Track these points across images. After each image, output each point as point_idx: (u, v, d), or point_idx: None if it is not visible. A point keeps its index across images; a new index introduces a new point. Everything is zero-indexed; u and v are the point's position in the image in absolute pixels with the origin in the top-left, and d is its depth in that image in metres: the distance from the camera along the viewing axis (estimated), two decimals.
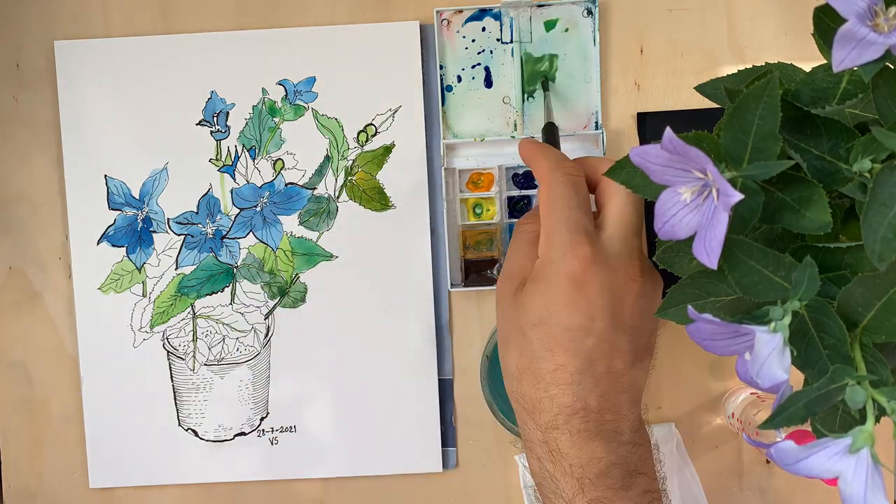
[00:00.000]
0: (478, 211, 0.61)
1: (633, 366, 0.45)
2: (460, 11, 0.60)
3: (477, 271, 0.61)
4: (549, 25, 0.60)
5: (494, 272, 0.60)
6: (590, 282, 0.43)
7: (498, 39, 0.60)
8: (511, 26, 0.60)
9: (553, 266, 0.44)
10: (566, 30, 0.60)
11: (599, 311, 0.43)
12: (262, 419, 0.62)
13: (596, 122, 0.60)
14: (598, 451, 0.43)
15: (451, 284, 0.60)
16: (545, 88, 0.59)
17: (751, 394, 0.59)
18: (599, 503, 0.42)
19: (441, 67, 0.60)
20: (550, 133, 0.55)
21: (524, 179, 0.60)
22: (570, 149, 0.60)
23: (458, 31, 0.60)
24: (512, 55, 0.60)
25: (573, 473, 0.43)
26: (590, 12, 0.60)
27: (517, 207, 0.61)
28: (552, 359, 0.44)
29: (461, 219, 0.61)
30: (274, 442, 0.62)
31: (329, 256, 0.61)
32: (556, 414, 0.43)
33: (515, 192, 0.60)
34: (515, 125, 0.61)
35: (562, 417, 0.43)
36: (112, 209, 0.61)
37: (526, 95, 0.60)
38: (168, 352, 0.61)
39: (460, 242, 0.60)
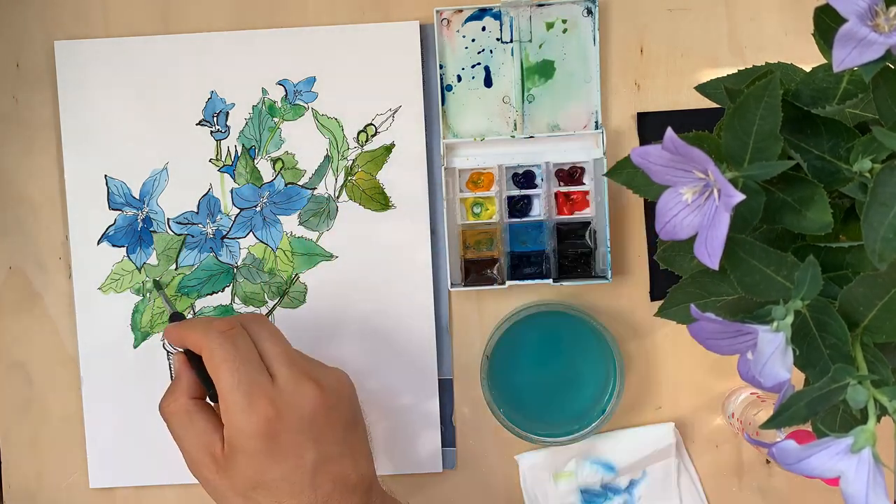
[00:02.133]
0: (476, 210, 0.61)
1: (354, 462, 0.48)
2: (460, 11, 0.60)
3: (477, 271, 0.61)
4: (549, 25, 0.60)
5: (494, 272, 0.60)
6: (281, 431, 0.45)
7: (498, 39, 0.60)
8: (511, 26, 0.60)
9: (242, 433, 0.45)
10: (566, 30, 0.60)
11: (304, 448, 0.45)
12: None
13: (596, 122, 0.60)
14: None
15: (451, 284, 0.60)
16: (158, 288, 0.60)
17: (751, 394, 0.59)
18: None
19: (441, 67, 0.60)
20: (180, 318, 0.56)
21: (524, 179, 0.60)
22: (570, 148, 0.60)
23: (458, 31, 0.60)
24: (512, 55, 0.60)
25: None
26: (590, 12, 0.60)
27: (517, 207, 0.61)
28: None
29: (461, 218, 0.61)
30: None
31: (329, 256, 0.61)
32: None
33: (515, 192, 0.60)
34: (515, 125, 0.61)
35: None
36: (112, 209, 0.61)
37: (526, 95, 0.61)
38: (168, 352, 0.61)
39: (460, 242, 0.60)
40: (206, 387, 0.49)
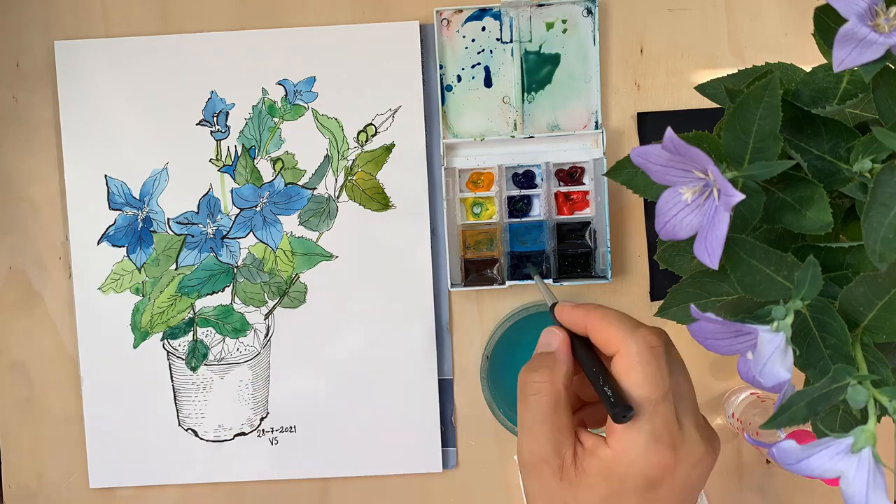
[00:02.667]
0: (476, 210, 0.61)
1: None
2: (460, 11, 0.60)
3: (477, 271, 0.61)
4: (549, 25, 0.60)
5: (494, 272, 0.60)
6: (667, 482, 0.40)
7: (498, 39, 0.60)
8: (511, 26, 0.60)
9: (629, 464, 0.40)
10: (566, 30, 0.60)
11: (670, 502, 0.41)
12: (262, 419, 0.62)
13: (596, 122, 0.60)
14: None
15: (451, 284, 0.60)
16: (538, 275, 0.56)
17: (751, 394, 0.59)
18: None
19: (441, 67, 0.60)
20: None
21: (524, 179, 0.60)
22: (570, 148, 0.60)
23: (457, 31, 0.60)
24: (512, 55, 0.60)
25: None
26: (590, 12, 0.60)
27: (517, 207, 0.61)
28: None
29: (461, 218, 0.61)
30: (274, 442, 0.62)
31: (329, 256, 0.61)
32: None
33: (515, 192, 0.60)
34: (515, 125, 0.61)
35: None
36: (112, 209, 0.61)
37: (525, 95, 0.60)
38: (168, 352, 0.61)
39: (460, 242, 0.60)
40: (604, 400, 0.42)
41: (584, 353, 0.43)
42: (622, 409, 0.40)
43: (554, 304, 0.46)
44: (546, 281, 0.59)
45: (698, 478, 0.41)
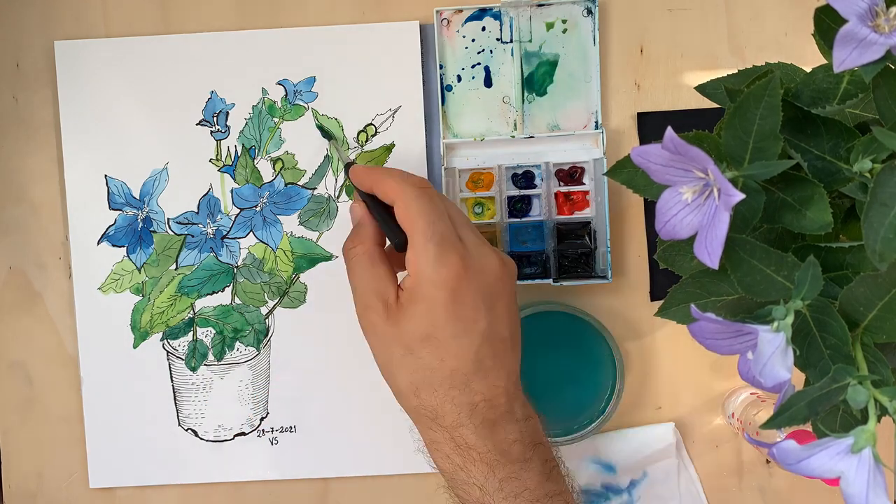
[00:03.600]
0: (478, 210, 0.61)
1: (512, 349, 0.48)
2: (460, 11, 0.60)
3: None
4: (549, 25, 0.60)
5: None
6: (465, 289, 0.46)
7: (498, 39, 0.60)
8: (511, 26, 0.60)
9: (428, 282, 0.46)
10: (566, 30, 0.60)
11: (479, 313, 0.46)
12: (262, 419, 0.62)
13: (596, 122, 0.60)
14: (500, 434, 0.47)
15: None
16: (328, 138, 0.60)
17: (751, 394, 0.59)
18: (509, 480, 0.46)
19: (441, 67, 0.60)
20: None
21: (524, 179, 0.60)
22: (570, 148, 0.60)
23: (457, 31, 0.60)
24: (512, 55, 0.60)
25: (482, 459, 0.46)
26: (590, 12, 0.60)
27: (517, 207, 0.61)
28: (445, 367, 0.46)
29: None
30: (274, 442, 0.62)
31: (329, 256, 0.61)
32: (458, 414, 0.46)
33: (515, 192, 0.60)
34: (515, 125, 0.61)
35: (465, 415, 0.46)
36: (112, 209, 0.61)
37: (525, 95, 0.61)
38: (168, 352, 0.61)
39: None
40: (388, 235, 0.50)
41: (374, 205, 0.50)
42: (400, 236, 0.48)
43: (349, 164, 0.54)
44: (546, 281, 0.59)
45: (499, 287, 0.47)
